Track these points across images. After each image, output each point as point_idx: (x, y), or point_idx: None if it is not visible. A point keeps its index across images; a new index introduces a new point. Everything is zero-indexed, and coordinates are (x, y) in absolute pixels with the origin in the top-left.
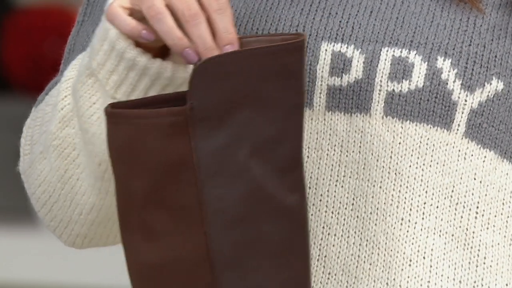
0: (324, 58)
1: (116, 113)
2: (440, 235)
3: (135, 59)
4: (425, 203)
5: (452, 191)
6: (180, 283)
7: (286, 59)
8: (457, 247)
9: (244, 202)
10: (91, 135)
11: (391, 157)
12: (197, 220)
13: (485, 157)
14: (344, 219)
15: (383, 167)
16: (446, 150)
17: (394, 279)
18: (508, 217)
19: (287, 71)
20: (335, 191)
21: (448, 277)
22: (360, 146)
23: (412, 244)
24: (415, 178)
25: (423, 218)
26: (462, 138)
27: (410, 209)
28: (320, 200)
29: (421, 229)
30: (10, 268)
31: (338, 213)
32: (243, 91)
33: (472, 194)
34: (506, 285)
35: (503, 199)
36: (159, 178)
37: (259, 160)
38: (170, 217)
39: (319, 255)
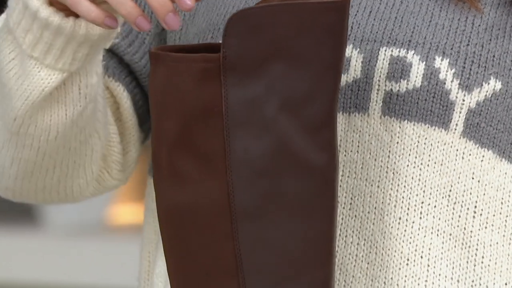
0: None
1: (155, 54)
2: (438, 234)
3: (48, 18)
4: (423, 202)
5: (450, 190)
6: (200, 228)
7: (327, 18)
8: (455, 246)
9: (269, 156)
10: (8, 89)
11: (389, 156)
12: (221, 169)
13: (483, 156)
14: (342, 219)
15: (381, 166)
16: (444, 149)
17: (391, 278)
18: (507, 216)
19: (327, 30)
20: None
21: (446, 276)
22: (358, 146)
23: (410, 243)
24: (413, 178)
25: (420, 218)
26: (460, 138)
27: (408, 209)
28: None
29: (419, 228)
30: (12, 268)
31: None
32: (278, 45)
33: (470, 193)
34: (506, 284)
35: (502, 199)
36: (188, 122)
37: (288, 116)
38: (195, 163)
39: None
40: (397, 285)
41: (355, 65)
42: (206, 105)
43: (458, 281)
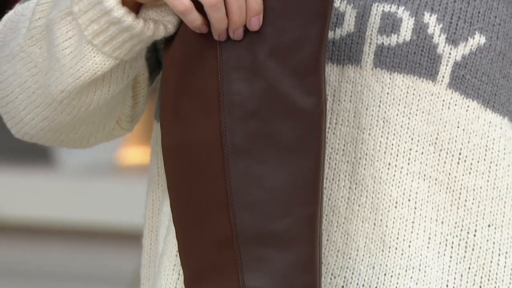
0: None
1: None
2: (424, 179)
3: (121, 18)
4: (411, 149)
5: (437, 138)
6: (195, 165)
7: None
8: (440, 191)
9: (259, 98)
10: (62, 65)
11: (379, 106)
12: (215, 109)
13: (468, 106)
14: (336, 164)
15: (372, 115)
16: (431, 100)
17: (381, 219)
18: (490, 162)
19: None
20: (327, 138)
21: (431, 218)
22: (351, 96)
23: (398, 187)
24: (401, 126)
25: (408, 163)
26: (446, 89)
27: (397, 155)
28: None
29: (407, 174)
30: (27, 206)
31: (330, 158)
32: None
33: (456, 141)
34: (489, 226)
35: (486, 146)
36: (187, 66)
37: (277, 61)
38: (193, 104)
39: None
40: (386, 226)
41: (349, 19)
42: (203, 50)
43: (442, 222)
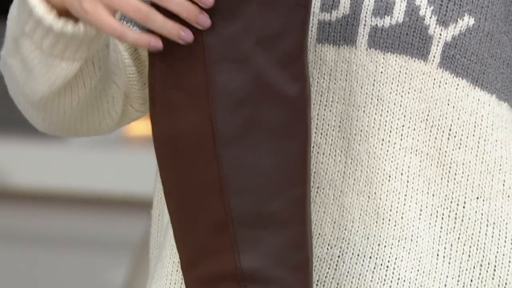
0: None
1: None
2: (416, 154)
3: (62, 30)
4: (403, 125)
5: (428, 115)
6: (188, 154)
7: None
8: (431, 165)
9: (247, 88)
10: (34, 76)
11: (373, 84)
12: (204, 100)
13: (458, 84)
14: (332, 140)
15: (367, 93)
16: (423, 78)
17: (375, 193)
18: (479, 138)
19: None
20: (324, 115)
21: (422, 191)
22: (346, 75)
23: (392, 162)
24: (395, 104)
25: (401, 139)
26: (437, 68)
27: (390, 131)
28: (311, 123)
29: (400, 149)
30: (40, 176)
31: (327, 134)
32: None
33: (446, 118)
34: (477, 198)
35: (475, 122)
36: (175, 60)
37: (263, 51)
38: (183, 96)
39: None
40: (380, 198)
41: (345, 2)
42: (190, 44)
43: (433, 195)
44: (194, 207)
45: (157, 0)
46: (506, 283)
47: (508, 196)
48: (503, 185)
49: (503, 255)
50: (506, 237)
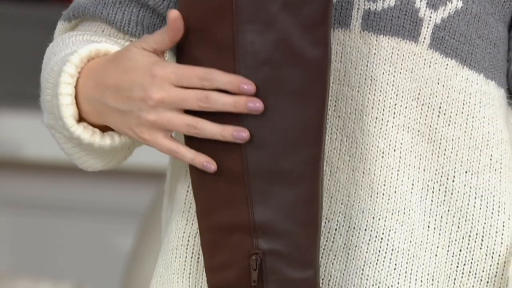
0: None
1: None
2: (408, 131)
3: (99, 144)
4: (395, 104)
5: (419, 93)
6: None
7: None
8: (422, 141)
9: (271, 49)
10: (73, 156)
11: (367, 65)
12: (230, 57)
13: (447, 64)
14: (328, 119)
15: (360, 74)
16: (414, 59)
17: (369, 168)
18: (468, 115)
19: None
20: None
21: (414, 166)
22: (341, 56)
23: (385, 139)
24: (387, 83)
25: (394, 117)
26: (427, 49)
27: (383, 109)
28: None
29: (392, 126)
30: (49, 147)
31: None
32: None
33: (436, 96)
34: (466, 172)
35: (463, 100)
36: (204, 17)
37: (288, 14)
38: (209, 52)
39: None
40: (374, 174)
41: None
42: (220, 5)
43: (424, 170)
44: (213, 158)
45: (203, 107)
46: (493, 253)
47: (495, 170)
48: (490, 159)
49: (490, 226)
50: (493, 209)
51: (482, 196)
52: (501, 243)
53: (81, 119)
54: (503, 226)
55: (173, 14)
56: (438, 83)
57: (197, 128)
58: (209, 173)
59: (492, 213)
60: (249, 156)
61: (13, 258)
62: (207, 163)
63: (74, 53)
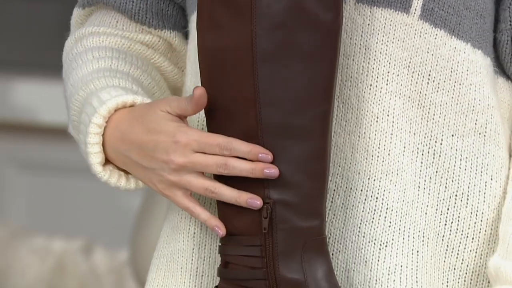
0: None
1: None
2: (400, 97)
3: (116, 186)
4: (388, 72)
5: (410, 62)
6: (228, 65)
7: None
8: (412, 107)
9: (286, 12)
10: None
11: (361, 36)
12: (247, 19)
13: (436, 34)
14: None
15: (355, 44)
16: (405, 29)
17: (364, 132)
18: (455, 82)
19: None
20: None
21: (405, 130)
22: None
23: (379, 104)
24: (380, 52)
25: (387, 84)
26: (418, 20)
27: (377, 77)
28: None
29: (386, 93)
30: (62, 112)
31: None
32: None
33: (426, 64)
34: (452, 135)
35: (451, 68)
36: None
37: None
38: (229, 13)
39: None
40: (369, 137)
41: None
42: None
43: (414, 134)
44: (229, 113)
45: (222, 172)
46: (477, 211)
47: (479, 134)
48: (475, 124)
49: (474, 185)
50: (476, 170)
51: (466, 158)
52: (484, 201)
53: (107, 160)
54: (485, 185)
55: (199, 91)
56: (427, 52)
57: (214, 192)
58: (225, 125)
59: (475, 173)
60: (263, 112)
61: (29, 216)
62: (217, 227)
63: (103, 105)
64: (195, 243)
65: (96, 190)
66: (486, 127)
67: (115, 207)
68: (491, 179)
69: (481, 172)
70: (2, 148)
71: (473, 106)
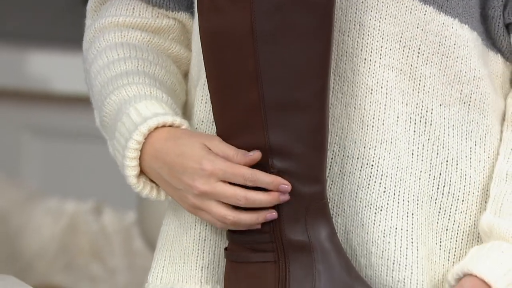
0: None
1: None
2: (392, 70)
3: (147, 196)
4: (381, 46)
5: (401, 37)
6: (230, 48)
7: None
8: (404, 79)
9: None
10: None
11: (355, 12)
12: (247, 2)
13: (425, 11)
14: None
15: (350, 20)
16: (397, 6)
17: (360, 104)
18: (443, 55)
19: None
20: None
21: (398, 101)
22: None
23: (373, 77)
24: (374, 28)
25: (380, 58)
26: None
27: (371, 51)
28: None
29: (379, 66)
30: (76, 81)
31: None
32: None
33: (416, 39)
34: (440, 105)
35: (439, 42)
36: None
37: None
38: None
39: None
40: (364, 109)
41: None
42: None
43: (407, 104)
44: (232, 90)
45: (241, 204)
46: (466, 174)
47: (464, 103)
48: (460, 94)
49: (461, 151)
50: (462, 136)
51: (453, 125)
52: (470, 166)
53: (140, 171)
54: (471, 151)
55: (257, 156)
56: (417, 28)
57: (232, 221)
58: (229, 101)
59: (461, 140)
60: (265, 88)
61: (43, 180)
62: (270, 215)
63: (144, 122)
64: None
65: (106, 155)
66: (470, 97)
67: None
68: (475, 144)
69: (466, 138)
70: (18, 116)
71: (459, 78)
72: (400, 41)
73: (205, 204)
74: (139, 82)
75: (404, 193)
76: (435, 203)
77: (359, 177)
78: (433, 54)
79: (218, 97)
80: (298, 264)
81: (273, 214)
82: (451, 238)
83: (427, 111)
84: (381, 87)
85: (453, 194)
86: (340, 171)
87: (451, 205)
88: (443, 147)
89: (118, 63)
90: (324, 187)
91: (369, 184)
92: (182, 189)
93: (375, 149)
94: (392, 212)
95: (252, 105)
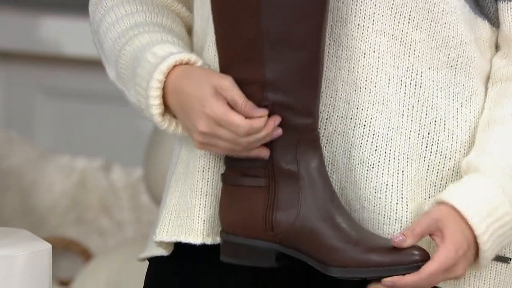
0: None
1: None
2: (384, 35)
3: (173, 133)
4: (374, 13)
5: (393, 4)
6: (237, 26)
7: None
8: (395, 44)
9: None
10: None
11: None
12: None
13: None
14: None
15: None
16: None
17: (353, 67)
18: (431, 21)
19: None
20: None
21: (389, 65)
22: None
23: (366, 42)
24: None
25: (373, 24)
26: None
27: (364, 17)
28: None
29: (372, 31)
30: (86, 45)
31: None
32: None
33: (406, 6)
34: (429, 68)
35: (428, 9)
36: None
37: None
38: None
39: None
40: (357, 72)
41: None
42: None
43: (397, 67)
44: (234, 24)
45: (236, 150)
46: (453, 133)
47: (451, 66)
48: (448, 57)
49: (449, 112)
50: (449, 98)
51: (441, 87)
52: (457, 125)
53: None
54: (457, 111)
55: (263, 113)
56: None
57: (232, 150)
58: (230, 33)
59: (449, 101)
60: (263, 23)
61: (55, 138)
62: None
63: (163, 61)
64: (200, 166)
65: (115, 115)
66: (457, 61)
67: (131, 130)
68: (461, 105)
69: (453, 99)
70: (32, 77)
71: (447, 43)
72: (392, 7)
73: (208, 140)
74: (149, 30)
75: (394, 151)
76: (424, 160)
77: (352, 137)
78: (422, 20)
79: (220, 30)
80: (286, 190)
81: (266, 154)
82: (439, 194)
83: (417, 74)
84: (374, 51)
85: (441, 152)
86: (334, 130)
87: (439, 162)
88: (431, 108)
89: (127, 17)
90: (316, 120)
91: (361, 143)
92: (189, 126)
93: (367, 110)
94: (383, 169)
95: (251, 39)
